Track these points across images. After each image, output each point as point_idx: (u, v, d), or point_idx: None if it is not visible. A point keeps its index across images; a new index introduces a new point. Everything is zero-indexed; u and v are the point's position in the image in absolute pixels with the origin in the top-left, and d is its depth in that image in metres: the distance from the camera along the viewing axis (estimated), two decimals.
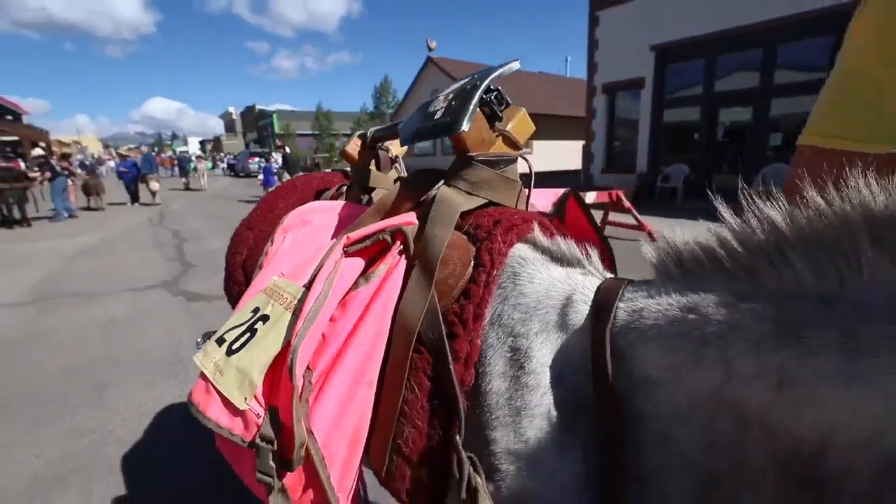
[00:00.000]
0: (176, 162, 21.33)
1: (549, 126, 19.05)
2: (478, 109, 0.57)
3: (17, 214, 8.89)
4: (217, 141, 60.64)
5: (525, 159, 0.67)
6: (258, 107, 46.90)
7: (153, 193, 12.53)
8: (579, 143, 12.45)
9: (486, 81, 0.57)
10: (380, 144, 0.91)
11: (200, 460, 1.97)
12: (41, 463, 2.00)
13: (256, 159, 23.87)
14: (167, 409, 2.40)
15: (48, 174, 9.54)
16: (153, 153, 17.30)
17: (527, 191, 0.68)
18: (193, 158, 19.26)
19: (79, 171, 11.40)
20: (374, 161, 0.93)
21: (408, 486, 0.54)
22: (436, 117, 0.60)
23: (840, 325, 0.33)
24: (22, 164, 10.79)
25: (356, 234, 0.60)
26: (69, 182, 9.82)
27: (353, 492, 0.59)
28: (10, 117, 26.46)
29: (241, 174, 25.64)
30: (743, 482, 0.39)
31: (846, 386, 0.32)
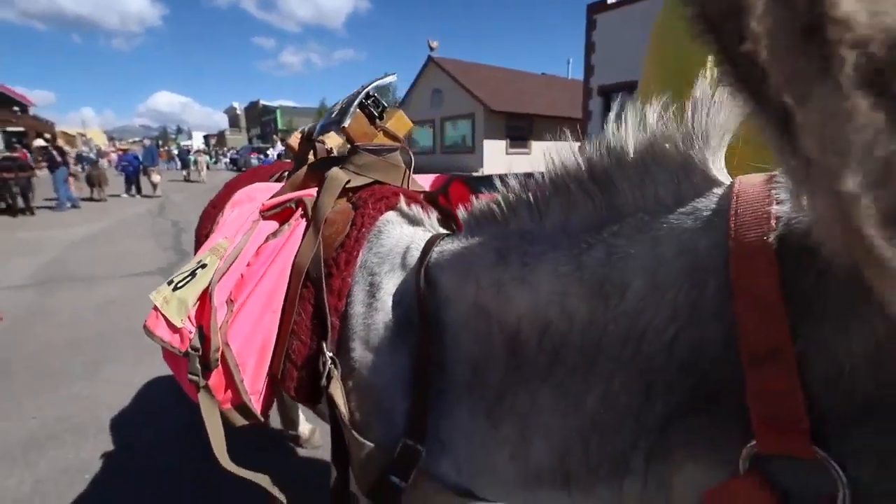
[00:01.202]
0: (175, 155, 22.09)
1: (551, 127, 19.11)
2: (358, 111, 0.77)
3: (20, 203, 9.14)
4: (221, 136, 61.05)
5: (406, 149, 0.87)
6: (262, 102, 47.22)
7: (154, 186, 12.78)
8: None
9: (366, 90, 0.78)
10: (316, 138, 1.11)
11: (179, 424, 2.18)
12: (39, 423, 2.22)
13: (258, 154, 24.17)
14: (153, 382, 2.61)
15: (44, 163, 9.80)
16: (157, 146, 17.78)
17: (409, 172, 0.88)
18: (193, 153, 19.78)
19: (75, 165, 11.62)
20: (312, 151, 1.13)
21: (295, 384, 0.74)
22: (332, 116, 0.80)
23: (522, 249, 0.53)
24: (28, 155, 11.05)
25: (270, 202, 0.81)
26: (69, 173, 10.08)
27: (262, 396, 0.79)
28: (16, 108, 26.82)
29: (244, 168, 25.89)
30: (490, 362, 0.58)
31: (520, 286, 0.52)
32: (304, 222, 0.80)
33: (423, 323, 0.64)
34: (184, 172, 19.11)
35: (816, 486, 0.29)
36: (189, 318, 0.77)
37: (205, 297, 0.77)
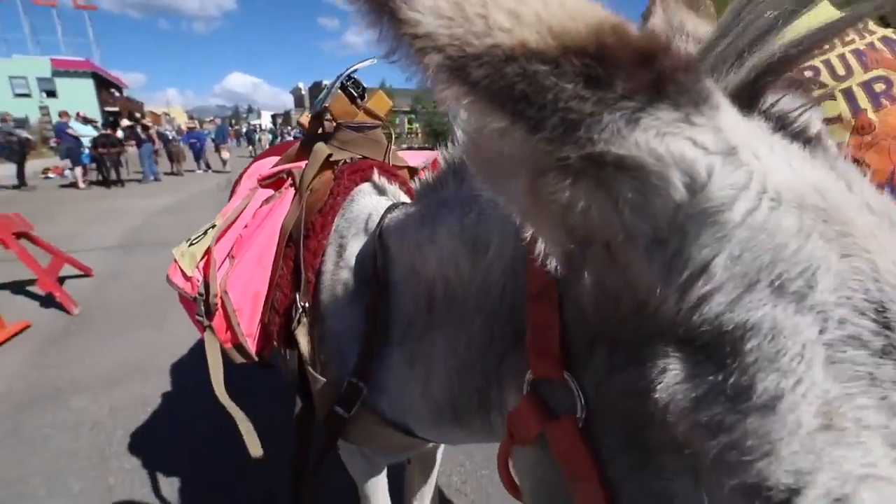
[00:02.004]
0: (242, 134, 25.21)
1: None
2: (338, 91, 0.86)
3: (113, 175, 10.30)
4: (287, 115, 63.84)
5: (388, 126, 0.95)
6: (325, 83, 48.72)
7: (224, 162, 13.81)
8: None
9: (346, 72, 0.86)
10: (324, 116, 1.22)
11: (230, 374, 2.47)
12: (112, 363, 2.61)
13: None
14: None
15: (133, 140, 10.94)
16: (229, 126, 19.64)
17: (390, 148, 0.96)
18: (258, 131, 22.04)
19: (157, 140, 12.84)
20: (321, 128, 1.24)
21: (277, 328, 0.87)
22: (320, 96, 0.90)
23: (435, 212, 0.60)
24: (120, 133, 12.34)
25: (266, 172, 0.93)
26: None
27: (256, 338, 0.93)
28: (113, 90, 29.83)
29: None
30: (417, 313, 0.66)
31: (431, 245, 0.59)
32: (293, 191, 0.91)
33: (374, 281, 0.73)
34: (249, 149, 20.79)
35: (568, 404, 0.35)
36: (198, 268, 0.91)
37: (209, 252, 0.91)
